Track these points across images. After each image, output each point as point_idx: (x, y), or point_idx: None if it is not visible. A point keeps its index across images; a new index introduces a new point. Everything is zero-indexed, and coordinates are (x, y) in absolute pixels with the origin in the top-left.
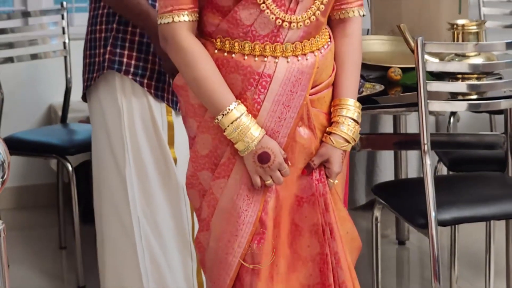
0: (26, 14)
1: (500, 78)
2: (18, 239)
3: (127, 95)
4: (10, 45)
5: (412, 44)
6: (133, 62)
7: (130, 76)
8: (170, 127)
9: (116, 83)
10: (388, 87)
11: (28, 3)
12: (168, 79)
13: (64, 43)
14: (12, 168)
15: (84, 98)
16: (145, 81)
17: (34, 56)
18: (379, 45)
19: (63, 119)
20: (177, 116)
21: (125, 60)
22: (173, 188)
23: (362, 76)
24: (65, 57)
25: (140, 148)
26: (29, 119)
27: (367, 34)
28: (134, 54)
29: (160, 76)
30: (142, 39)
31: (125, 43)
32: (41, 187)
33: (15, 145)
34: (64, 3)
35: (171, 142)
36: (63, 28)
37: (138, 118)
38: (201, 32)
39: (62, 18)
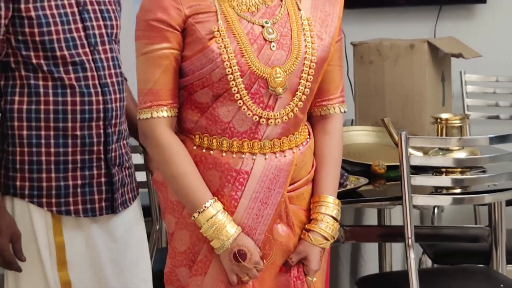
0: None
1: (484, 172)
2: None
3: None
4: None
5: (396, 138)
6: (27, 183)
7: (26, 200)
8: (60, 248)
9: (9, 208)
10: (372, 180)
11: None
12: (74, 189)
13: None
14: None
15: None
16: (44, 200)
17: None
18: (363, 137)
19: None
20: (73, 233)
21: (18, 183)
22: None
23: (346, 169)
24: None
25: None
26: None
27: (351, 124)
28: (27, 175)
29: (60, 191)
30: (32, 158)
31: (15, 165)
32: None
33: None
34: None
35: (62, 263)
36: None
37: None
38: (181, 128)
39: None
